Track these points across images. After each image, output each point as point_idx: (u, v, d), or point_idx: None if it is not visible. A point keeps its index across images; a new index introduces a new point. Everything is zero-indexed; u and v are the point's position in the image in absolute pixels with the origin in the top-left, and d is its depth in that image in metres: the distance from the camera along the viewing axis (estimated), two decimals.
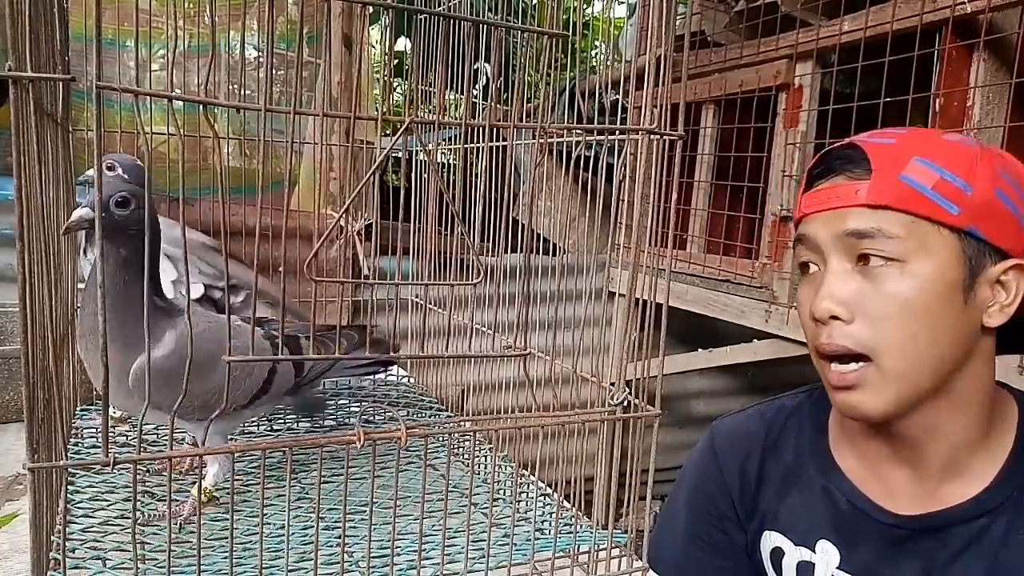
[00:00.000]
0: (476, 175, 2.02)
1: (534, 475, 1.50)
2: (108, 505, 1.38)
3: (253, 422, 1.83)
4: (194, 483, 1.35)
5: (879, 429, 0.75)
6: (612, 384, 1.24)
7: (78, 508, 1.35)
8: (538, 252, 3.10)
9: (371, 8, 1.94)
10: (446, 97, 1.90)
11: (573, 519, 1.41)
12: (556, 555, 1.24)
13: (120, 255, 1.19)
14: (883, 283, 0.68)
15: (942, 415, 0.72)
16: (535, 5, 3.95)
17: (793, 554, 0.82)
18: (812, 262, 0.74)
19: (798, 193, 0.80)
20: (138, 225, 1.17)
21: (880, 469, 0.78)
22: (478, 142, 2.02)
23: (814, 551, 0.80)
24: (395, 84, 4.60)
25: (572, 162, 2.38)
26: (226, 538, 1.27)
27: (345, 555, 1.05)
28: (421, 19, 2.08)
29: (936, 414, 0.71)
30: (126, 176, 1.52)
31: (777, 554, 0.83)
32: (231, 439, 1.65)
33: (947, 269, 0.68)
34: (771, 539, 0.84)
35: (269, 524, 1.33)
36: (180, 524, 1.32)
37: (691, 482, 0.91)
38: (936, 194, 0.68)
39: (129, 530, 1.20)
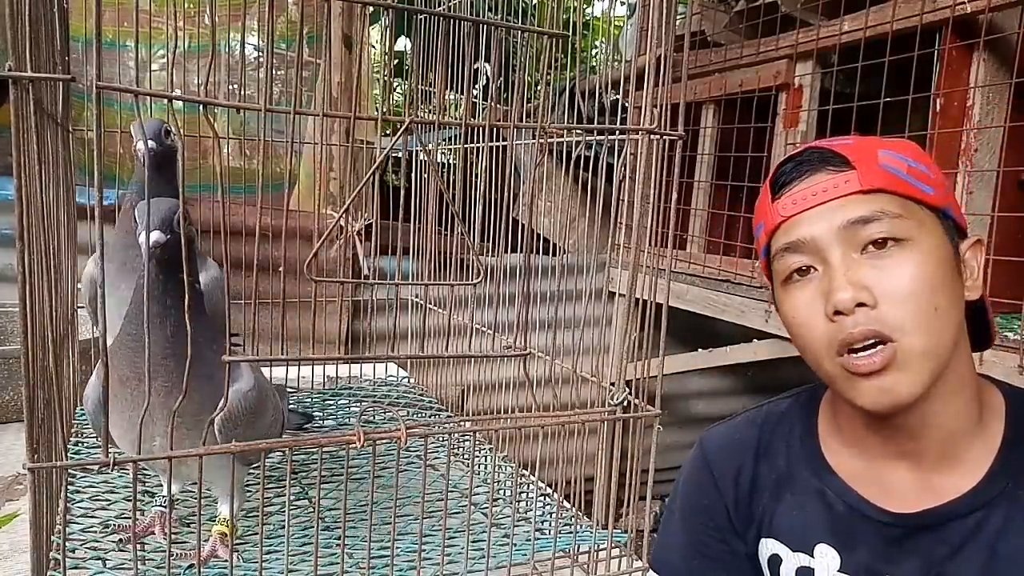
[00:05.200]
0: (476, 175, 2.03)
1: (534, 475, 1.50)
2: (108, 505, 1.38)
3: None
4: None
5: (880, 422, 0.75)
6: (612, 384, 1.24)
7: (78, 508, 1.35)
8: (538, 252, 3.10)
9: (371, 8, 1.95)
10: (446, 97, 1.90)
11: (573, 519, 1.41)
12: (556, 555, 1.24)
13: (185, 282, 0.97)
14: (896, 264, 0.69)
15: (940, 400, 0.72)
16: (535, 5, 3.95)
17: (791, 560, 0.81)
18: (809, 265, 0.73)
19: (761, 206, 0.78)
20: (189, 246, 1.02)
21: (876, 466, 0.77)
22: (478, 142, 2.03)
23: (812, 556, 0.80)
24: (395, 84, 4.60)
25: (572, 162, 2.38)
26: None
27: (345, 555, 1.05)
28: (421, 19, 2.08)
29: (935, 398, 0.71)
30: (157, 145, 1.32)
31: (775, 561, 0.83)
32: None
33: (941, 244, 0.71)
34: (768, 546, 0.83)
35: (269, 524, 1.33)
36: (205, 560, 1.17)
37: (686, 496, 0.91)
38: (912, 177, 0.71)
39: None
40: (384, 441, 0.99)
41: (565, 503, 1.39)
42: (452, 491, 1.44)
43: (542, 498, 1.52)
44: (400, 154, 2.79)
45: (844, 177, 0.71)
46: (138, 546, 0.98)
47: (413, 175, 2.35)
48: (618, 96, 2.77)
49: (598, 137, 1.45)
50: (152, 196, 0.94)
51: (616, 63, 3.35)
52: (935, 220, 0.72)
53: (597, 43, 5.28)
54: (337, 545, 1.19)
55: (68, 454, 1.24)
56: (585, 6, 4.42)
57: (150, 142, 1.29)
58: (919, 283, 0.68)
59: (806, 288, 0.73)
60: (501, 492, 1.60)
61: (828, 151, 0.74)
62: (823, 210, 0.71)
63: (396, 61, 4.42)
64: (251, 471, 1.42)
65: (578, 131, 1.46)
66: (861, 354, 0.69)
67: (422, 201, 2.22)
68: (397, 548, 1.20)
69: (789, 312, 0.75)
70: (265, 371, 1.69)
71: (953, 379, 0.72)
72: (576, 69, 2.92)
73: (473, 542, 1.23)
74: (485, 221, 1.84)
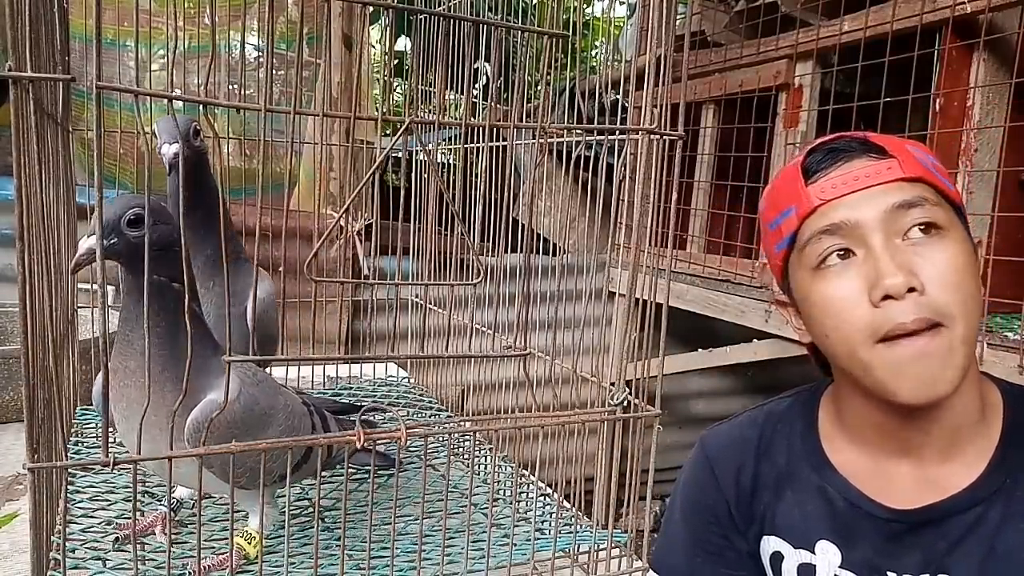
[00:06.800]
0: (476, 175, 2.03)
1: (534, 475, 1.50)
2: (108, 505, 1.38)
3: None
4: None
5: (892, 416, 0.74)
6: (612, 384, 1.24)
7: (78, 508, 1.35)
8: (538, 252, 3.10)
9: (371, 8, 1.95)
10: (446, 97, 1.90)
11: (573, 519, 1.41)
12: (556, 555, 1.24)
13: (157, 282, 0.98)
14: (938, 250, 0.69)
15: (956, 394, 0.71)
16: (535, 5, 3.95)
17: (793, 557, 0.82)
18: (848, 248, 0.72)
19: (789, 191, 0.77)
20: (162, 246, 0.95)
21: (878, 462, 0.78)
22: (478, 142, 2.03)
23: (814, 552, 0.80)
24: (395, 84, 4.60)
25: (572, 162, 2.38)
26: (225, 539, 1.27)
27: (345, 555, 1.05)
28: (421, 19, 2.08)
29: (954, 391, 0.72)
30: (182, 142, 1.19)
31: (777, 558, 0.83)
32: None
33: (966, 237, 0.73)
34: (770, 544, 0.84)
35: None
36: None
37: (688, 495, 0.91)
38: (938, 172, 0.74)
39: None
40: (384, 441, 0.99)
41: (565, 503, 1.39)
42: (452, 491, 1.44)
43: (542, 498, 1.52)
44: (400, 154, 2.79)
45: (887, 164, 0.72)
46: (138, 546, 0.98)
47: (413, 175, 2.35)
48: (618, 96, 2.77)
49: (598, 137, 1.45)
50: (185, 205, 0.93)
51: (616, 63, 3.35)
52: (956, 215, 0.74)
53: (597, 43, 5.29)
54: (337, 546, 1.19)
55: (68, 454, 1.24)
56: (585, 6, 4.42)
57: (176, 145, 1.15)
58: (962, 271, 0.69)
59: (846, 271, 0.71)
60: (501, 492, 1.60)
61: (865, 140, 0.75)
62: (866, 194, 0.71)
63: (396, 61, 4.42)
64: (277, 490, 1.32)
65: (578, 131, 1.46)
66: (910, 341, 0.67)
67: (422, 201, 2.22)
68: (397, 548, 1.20)
69: (823, 298, 0.73)
70: (278, 373, 1.68)
71: (968, 373, 0.72)
72: (576, 69, 2.92)
73: (473, 542, 1.23)
74: (485, 221, 1.84)
